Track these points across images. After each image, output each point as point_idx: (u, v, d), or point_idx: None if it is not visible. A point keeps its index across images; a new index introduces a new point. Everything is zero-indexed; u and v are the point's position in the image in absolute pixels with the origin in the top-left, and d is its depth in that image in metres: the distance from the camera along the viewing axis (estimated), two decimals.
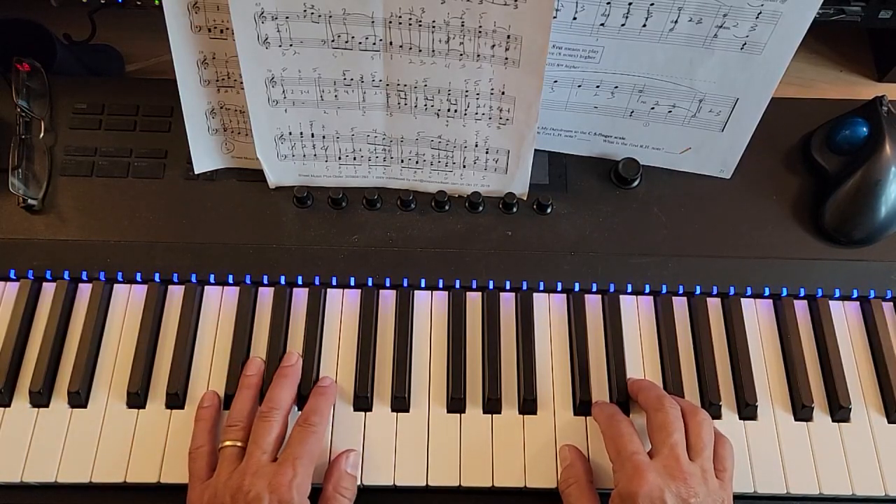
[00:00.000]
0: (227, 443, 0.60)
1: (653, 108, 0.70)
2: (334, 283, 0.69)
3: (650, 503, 0.54)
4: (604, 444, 0.61)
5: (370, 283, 0.69)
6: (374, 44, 0.63)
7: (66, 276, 0.68)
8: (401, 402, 0.64)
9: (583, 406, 0.65)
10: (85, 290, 0.68)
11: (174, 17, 0.62)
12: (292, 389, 0.63)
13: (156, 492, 0.62)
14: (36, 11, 0.76)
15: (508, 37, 0.61)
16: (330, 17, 0.61)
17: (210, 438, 0.62)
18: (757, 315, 0.70)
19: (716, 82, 0.67)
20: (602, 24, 0.63)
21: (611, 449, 0.60)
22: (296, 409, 0.64)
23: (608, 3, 0.62)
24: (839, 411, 0.65)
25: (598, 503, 0.59)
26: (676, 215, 0.72)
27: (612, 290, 0.69)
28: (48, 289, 0.68)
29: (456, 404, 0.65)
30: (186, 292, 0.68)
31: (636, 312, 0.70)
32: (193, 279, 0.68)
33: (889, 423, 0.66)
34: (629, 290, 0.69)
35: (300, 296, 0.69)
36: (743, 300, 0.70)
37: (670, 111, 0.70)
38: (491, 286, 0.69)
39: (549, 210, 0.72)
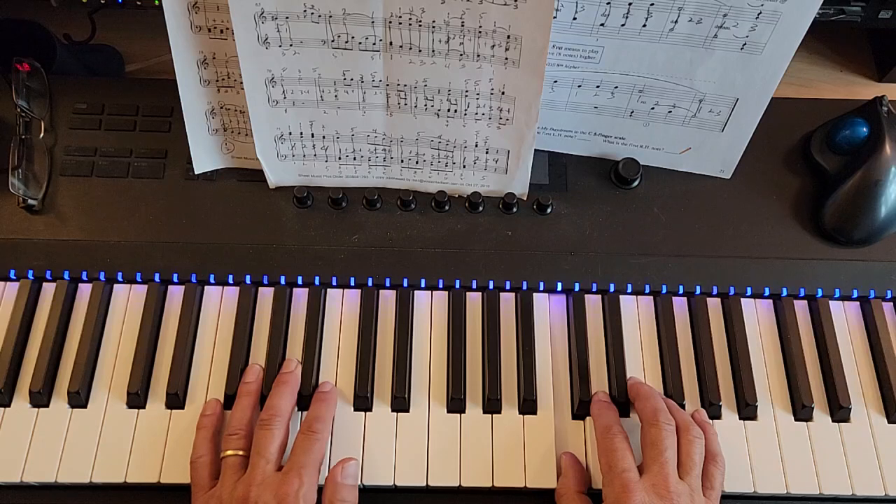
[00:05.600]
0: (230, 452, 0.60)
1: (653, 109, 0.70)
2: (334, 283, 0.69)
3: None
4: None
5: (370, 283, 0.69)
6: (374, 44, 0.63)
7: (66, 276, 0.68)
8: (401, 402, 0.64)
9: (583, 406, 0.65)
10: (85, 290, 0.68)
11: (174, 17, 0.62)
12: (292, 396, 0.63)
13: (156, 492, 0.62)
14: (36, 11, 0.76)
15: (508, 37, 0.61)
16: (330, 17, 0.61)
17: (211, 447, 0.61)
18: (757, 315, 0.70)
19: (716, 82, 0.67)
20: (602, 25, 0.63)
21: (603, 461, 0.60)
22: (297, 411, 0.64)
23: (608, 3, 0.62)
24: (839, 411, 0.65)
25: None
26: (676, 215, 0.72)
27: (612, 290, 0.69)
28: (48, 289, 0.68)
29: (456, 404, 0.64)
30: (186, 292, 0.68)
31: (636, 312, 0.70)
32: (193, 279, 0.68)
33: (889, 423, 0.66)
34: (629, 290, 0.69)
35: (300, 296, 0.69)
36: (743, 300, 0.70)
37: (670, 111, 0.70)
38: (491, 286, 0.69)
39: (549, 210, 0.72)
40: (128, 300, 0.69)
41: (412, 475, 0.62)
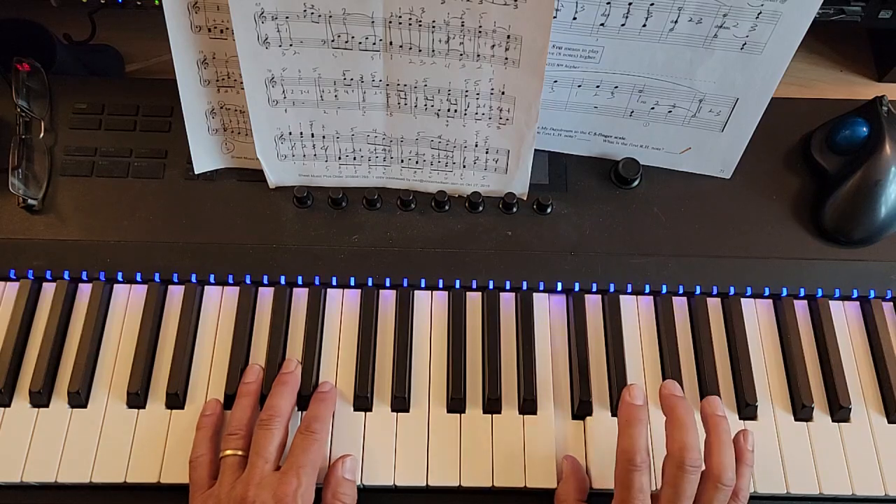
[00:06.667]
0: (229, 452, 0.60)
1: (653, 108, 0.70)
2: (334, 283, 0.69)
3: None
4: (602, 446, 0.62)
5: (370, 283, 0.69)
6: (374, 44, 0.63)
7: (66, 276, 0.68)
8: (401, 402, 0.64)
9: (583, 406, 0.65)
10: (85, 290, 0.68)
11: (174, 17, 0.62)
12: (292, 396, 0.63)
13: (156, 492, 0.62)
14: (36, 11, 0.76)
15: (508, 37, 0.61)
16: (330, 17, 0.61)
17: (211, 447, 0.61)
18: (757, 315, 0.70)
19: (716, 82, 0.67)
20: (602, 24, 0.63)
21: (617, 489, 0.57)
22: (297, 411, 0.64)
23: (608, 3, 0.62)
24: (839, 411, 0.65)
25: None
26: (676, 215, 0.72)
27: (612, 290, 0.69)
28: (48, 289, 0.68)
29: (456, 404, 0.64)
30: (186, 292, 0.68)
31: (636, 312, 0.70)
32: (193, 279, 0.68)
33: (889, 423, 0.66)
34: (629, 290, 0.69)
35: (300, 296, 0.69)
36: (743, 300, 0.70)
37: (670, 111, 0.70)
38: (491, 286, 0.69)
39: (549, 210, 0.72)
40: (128, 300, 0.69)
41: (412, 475, 0.62)
